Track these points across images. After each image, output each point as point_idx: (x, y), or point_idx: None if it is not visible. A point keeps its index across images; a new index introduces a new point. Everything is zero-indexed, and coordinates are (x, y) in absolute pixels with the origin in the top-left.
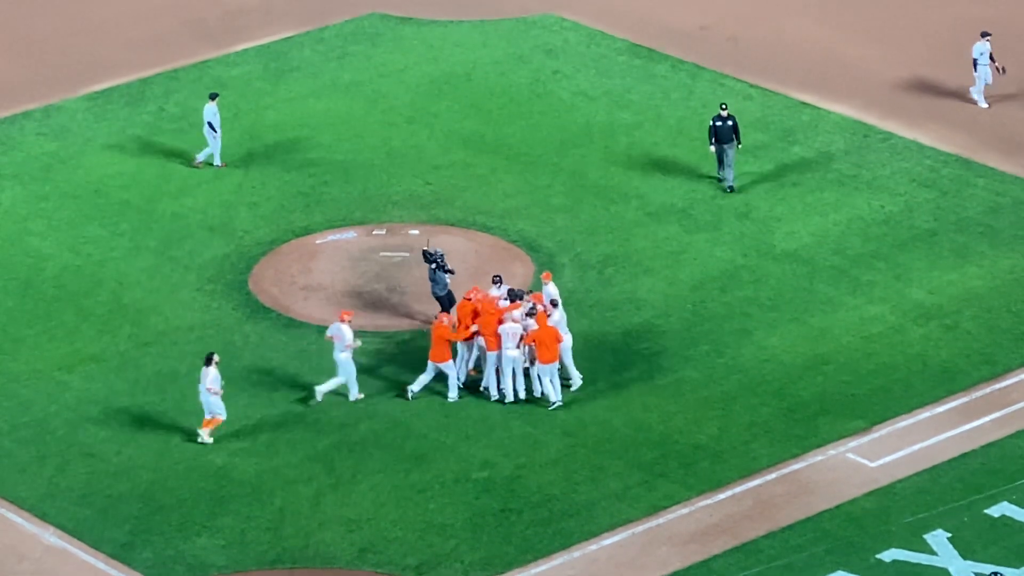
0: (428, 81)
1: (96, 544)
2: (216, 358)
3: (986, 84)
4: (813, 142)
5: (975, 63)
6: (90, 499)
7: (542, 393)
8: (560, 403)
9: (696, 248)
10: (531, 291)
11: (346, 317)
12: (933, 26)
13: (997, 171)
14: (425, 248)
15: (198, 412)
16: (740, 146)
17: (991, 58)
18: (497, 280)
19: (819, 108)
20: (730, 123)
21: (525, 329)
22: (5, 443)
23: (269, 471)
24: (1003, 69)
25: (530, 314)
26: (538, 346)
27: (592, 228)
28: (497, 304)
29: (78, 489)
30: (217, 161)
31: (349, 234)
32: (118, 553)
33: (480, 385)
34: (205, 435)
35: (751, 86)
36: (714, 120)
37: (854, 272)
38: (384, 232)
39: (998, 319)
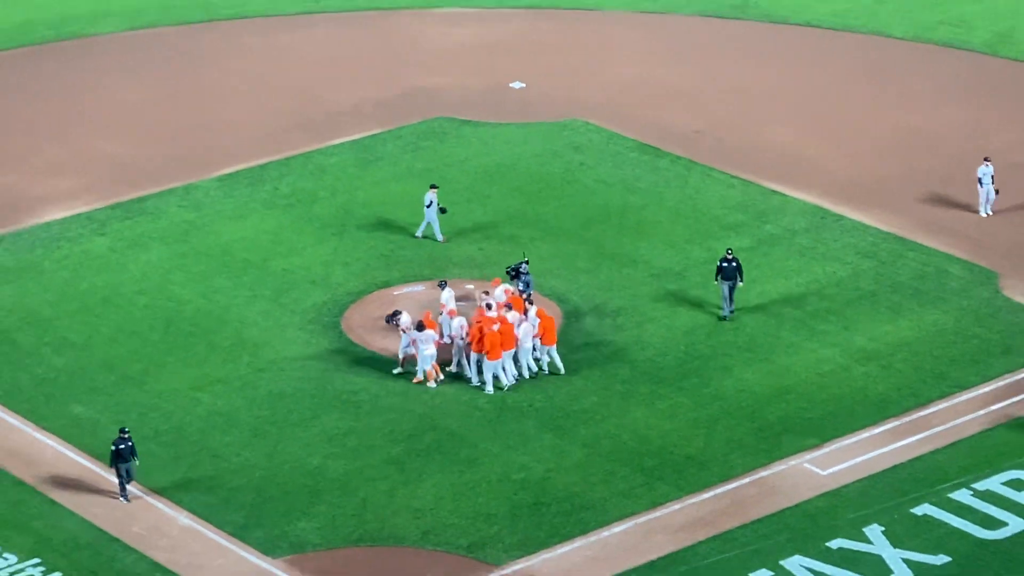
0: (482, 170)
1: (219, 525)
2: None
3: (990, 199)
4: (781, 221)
5: (979, 182)
6: (215, 490)
7: (532, 373)
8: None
9: (689, 302)
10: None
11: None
12: (877, 132)
13: (924, 246)
14: (525, 259)
15: (302, 423)
16: (742, 284)
17: (991, 179)
18: (442, 284)
19: (786, 195)
20: (734, 264)
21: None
22: (150, 445)
23: (354, 471)
24: (997, 191)
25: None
26: (544, 331)
27: (608, 285)
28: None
29: (206, 482)
30: (438, 236)
31: (418, 287)
32: (236, 532)
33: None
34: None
35: (733, 177)
36: (721, 261)
37: (811, 323)
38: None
39: (923, 361)
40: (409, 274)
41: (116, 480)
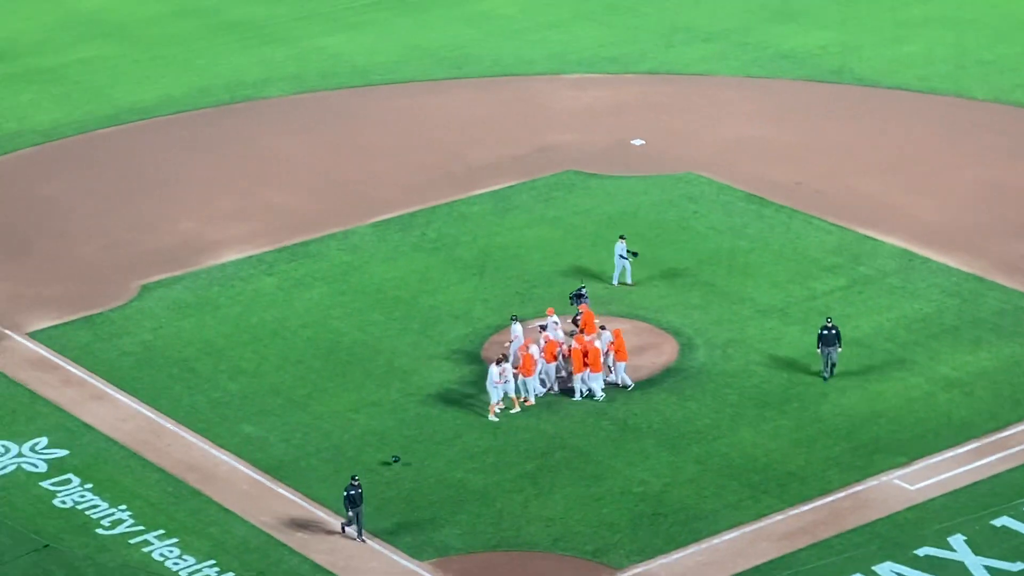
0: (607, 217)
1: (373, 531)
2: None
3: None
4: (873, 263)
5: None
6: (369, 500)
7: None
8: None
9: (791, 336)
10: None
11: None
12: (960, 184)
13: (1002, 286)
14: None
15: (446, 441)
16: (841, 350)
17: None
18: (513, 319)
19: (878, 240)
20: (834, 332)
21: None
22: (312, 461)
23: (492, 484)
24: None
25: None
26: (617, 350)
27: (719, 320)
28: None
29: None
30: (628, 280)
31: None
32: (388, 538)
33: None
34: (492, 416)
35: (831, 224)
36: (821, 329)
37: (900, 354)
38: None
39: (1001, 388)
40: (541, 310)
41: (343, 521)
